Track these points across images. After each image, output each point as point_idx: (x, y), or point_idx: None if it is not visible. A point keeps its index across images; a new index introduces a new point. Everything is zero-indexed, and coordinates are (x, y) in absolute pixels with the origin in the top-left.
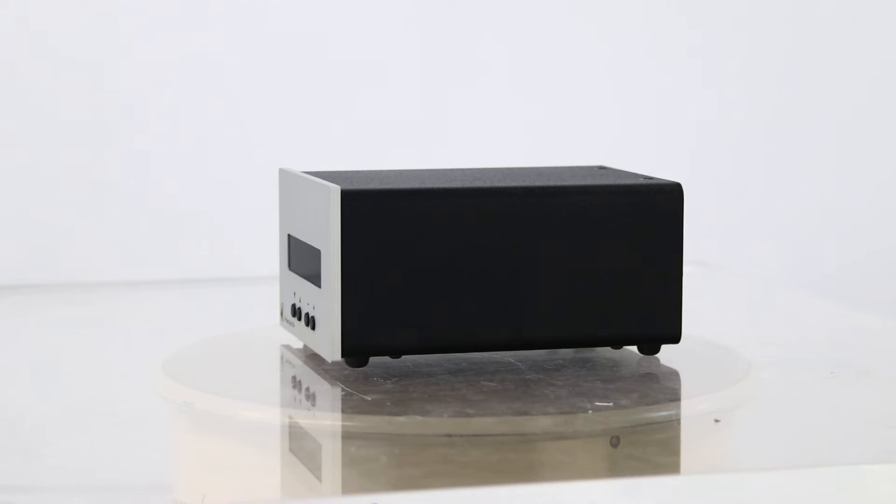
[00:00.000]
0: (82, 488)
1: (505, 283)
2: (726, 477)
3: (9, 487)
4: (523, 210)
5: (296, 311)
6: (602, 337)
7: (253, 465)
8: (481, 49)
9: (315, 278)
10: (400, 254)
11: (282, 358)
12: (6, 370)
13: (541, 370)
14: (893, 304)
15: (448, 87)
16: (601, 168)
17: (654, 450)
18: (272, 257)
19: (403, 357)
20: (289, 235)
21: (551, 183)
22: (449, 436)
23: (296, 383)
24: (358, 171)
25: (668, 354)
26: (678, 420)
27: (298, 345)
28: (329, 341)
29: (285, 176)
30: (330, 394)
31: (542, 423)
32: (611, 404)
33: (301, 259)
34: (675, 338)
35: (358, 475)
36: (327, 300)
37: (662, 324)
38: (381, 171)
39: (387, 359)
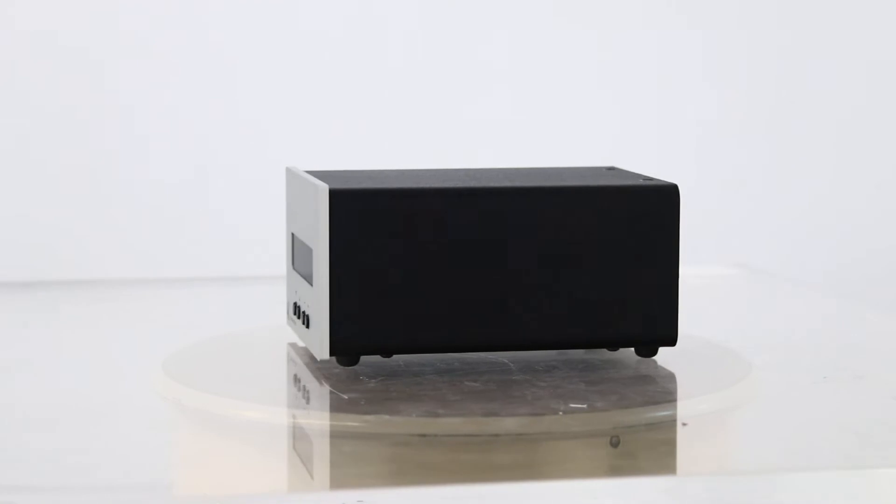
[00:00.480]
0: (82, 488)
1: (497, 284)
2: (724, 478)
3: (8, 487)
4: (515, 211)
5: (297, 310)
6: (596, 339)
7: (244, 463)
8: (487, 50)
9: (310, 277)
10: (388, 253)
11: (286, 357)
12: (5, 369)
13: (530, 371)
14: (894, 303)
15: (456, 86)
16: (609, 169)
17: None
18: (273, 256)
19: (397, 357)
20: (292, 234)
21: (544, 184)
22: (424, 435)
23: (290, 382)
24: (359, 171)
25: (668, 355)
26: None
27: (302, 343)
28: (319, 340)
29: (290, 175)
30: (317, 391)
31: (506, 424)
32: (584, 406)
33: (300, 258)
34: (671, 340)
35: (299, 472)
36: (318, 299)
37: (658, 326)
38: (383, 171)
39: (379, 358)
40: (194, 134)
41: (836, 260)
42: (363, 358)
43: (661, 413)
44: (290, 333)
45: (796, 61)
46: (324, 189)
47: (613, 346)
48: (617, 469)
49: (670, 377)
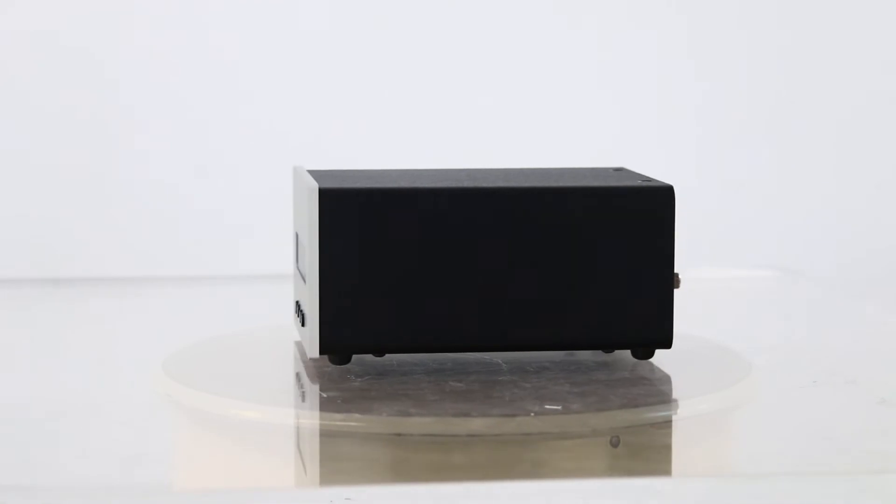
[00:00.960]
0: (81, 488)
1: (489, 284)
2: (719, 480)
3: (7, 487)
4: (507, 211)
5: (297, 309)
6: (590, 340)
7: (240, 462)
8: (493, 51)
9: (306, 275)
10: (378, 253)
11: (286, 356)
12: (4, 367)
13: (520, 372)
14: (894, 303)
15: (462, 86)
16: (617, 170)
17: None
18: (273, 256)
19: (391, 356)
20: (296, 234)
21: (537, 184)
22: (399, 434)
23: (287, 382)
24: (362, 171)
25: (668, 356)
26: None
27: None
28: (310, 338)
29: (295, 174)
30: (302, 390)
31: (474, 424)
32: (559, 407)
33: (301, 257)
34: (665, 342)
35: (250, 469)
36: (310, 297)
37: (653, 328)
38: (385, 171)
39: (371, 356)
40: (195, 132)
41: (836, 259)
42: (359, 357)
43: (635, 416)
44: (291, 332)
45: (797, 61)
46: (314, 188)
47: (608, 348)
48: (571, 472)
49: (664, 379)
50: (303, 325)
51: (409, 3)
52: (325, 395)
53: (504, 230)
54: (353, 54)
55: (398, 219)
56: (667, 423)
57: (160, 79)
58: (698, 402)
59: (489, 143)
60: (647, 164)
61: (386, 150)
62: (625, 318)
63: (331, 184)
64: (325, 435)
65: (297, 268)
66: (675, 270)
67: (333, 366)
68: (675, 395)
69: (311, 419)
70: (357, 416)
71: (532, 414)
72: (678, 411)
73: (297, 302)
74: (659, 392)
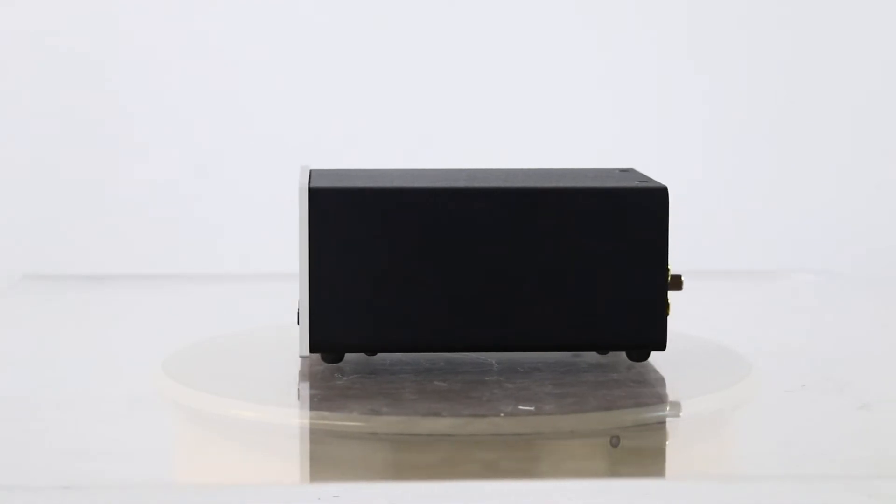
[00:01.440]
0: (80, 487)
1: (481, 285)
2: (716, 481)
3: (6, 486)
4: (500, 211)
5: (298, 308)
6: (583, 342)
7: (235, 460)
8: (493, 51)
9: (298, 274)
10: (369, 252)
11: (286, 356)
12: (3, 367)
13: (509, 372)
14: (893, 302)
15: (462, 86)
16: (624, 171)
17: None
18: (273, 256)
19: (385, 355)
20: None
21: (530, 185)
22: (375, 434)
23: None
24: (364, 170)
25: (668, 356)
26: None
27: None
28: (301, 337)
29: (301, 174)
30: (289, 389)
31: (440, 424)
32: (532, 408)
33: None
34: (659, 344)
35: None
36: (301, 296)
37: (646, 330)
38: (385, 171)
39: (363, 355)
40: (196, 132)
41: (836, 259)
42: (355, 355)
43: (608, 419)
44: (291, 332)
45: (797, 61)
46: (304, 187)
47: (601, 350)
48: (521, 472)
49: (657, 382)
50: (297, 322)
51: (410, 3)
52: (302, 393)
53: (496, 230)
54: (354, 54)
55: (387, 218)
56: (642, 427)
57: (160, 79)
58: (698, 402)
59: (489, 143)
60: (647, 163)
61: (386, 151)
62: (617, 320)
63: (322, 183)
64: (290, 433)
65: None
66: (678, 273)
67: (325, 364)
68: (670, 396)
69: (286, 417)
70: (325, 413)
71: (502, 415)
72: (658, 414)
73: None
74: (641, 395)
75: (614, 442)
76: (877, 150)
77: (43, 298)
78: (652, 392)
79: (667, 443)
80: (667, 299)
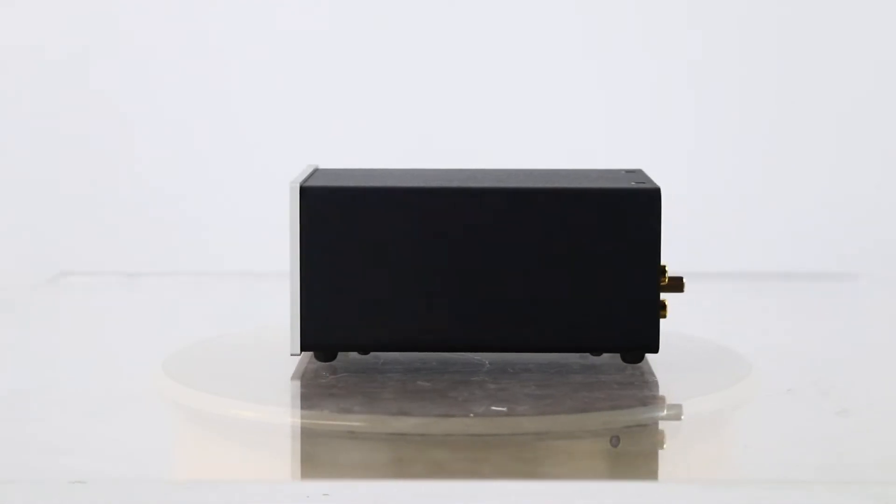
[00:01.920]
0: (80, 487)
1: (473, 285)
2: (713, 482)
3: (6, 483)
4: (493, 212)
5: None
6: (575, 343)
7: (233, 460)
8: (493, 51)
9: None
10: (359, 252)
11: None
12: (4, 366)
13: (498, 373)
14: (893, 302)
15: (461, 86)
16: (628, 172)
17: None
18: (273, 255)
19: (378, 354)
20: None
21: (523, 185)
22: (352, 433)
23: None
24: (362, 170)
25: (668, 357)
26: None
27: None
28: (291, 335)
29: (304, 172)
30: (279, 387)
31: (405, 423)
32: (504, 409)
33: None
34: (652, 346)
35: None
36: (292, 295)
37: (638, 332)
38: (384, 170)
39: (356, 354)
40: (196, 132)
41: (836, 259)
42: (351, 353)
43: (579, 421)
44: (290, 332)
45: (796, 61)
46: (295, 186)
47: (593, 351)
48: (469, 473)
49: (650, 385)
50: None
51: (410, 3)
52: (289, 391)
53: (488, 230)
54: (354, 55)
55: (378, 217)
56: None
57: (161, 78)
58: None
59: (489, 143)
60: (647, 163)
61: (386, 151)
62: (609, 321)
63: (314, 182)
64: (260, 430)
65: None
66: (679, 275)
67: (318, 362)
68: (666, 398)
69: (260, 413)
70: (303, 412)
71: (471, 415)
72: (637, 417)
73: None
74: (621, 397)
75: (614, 442)
76: (877, 150)
77: (43, 298)
78: (633, 395)
79: (655, 446)
80: (661, 301)
